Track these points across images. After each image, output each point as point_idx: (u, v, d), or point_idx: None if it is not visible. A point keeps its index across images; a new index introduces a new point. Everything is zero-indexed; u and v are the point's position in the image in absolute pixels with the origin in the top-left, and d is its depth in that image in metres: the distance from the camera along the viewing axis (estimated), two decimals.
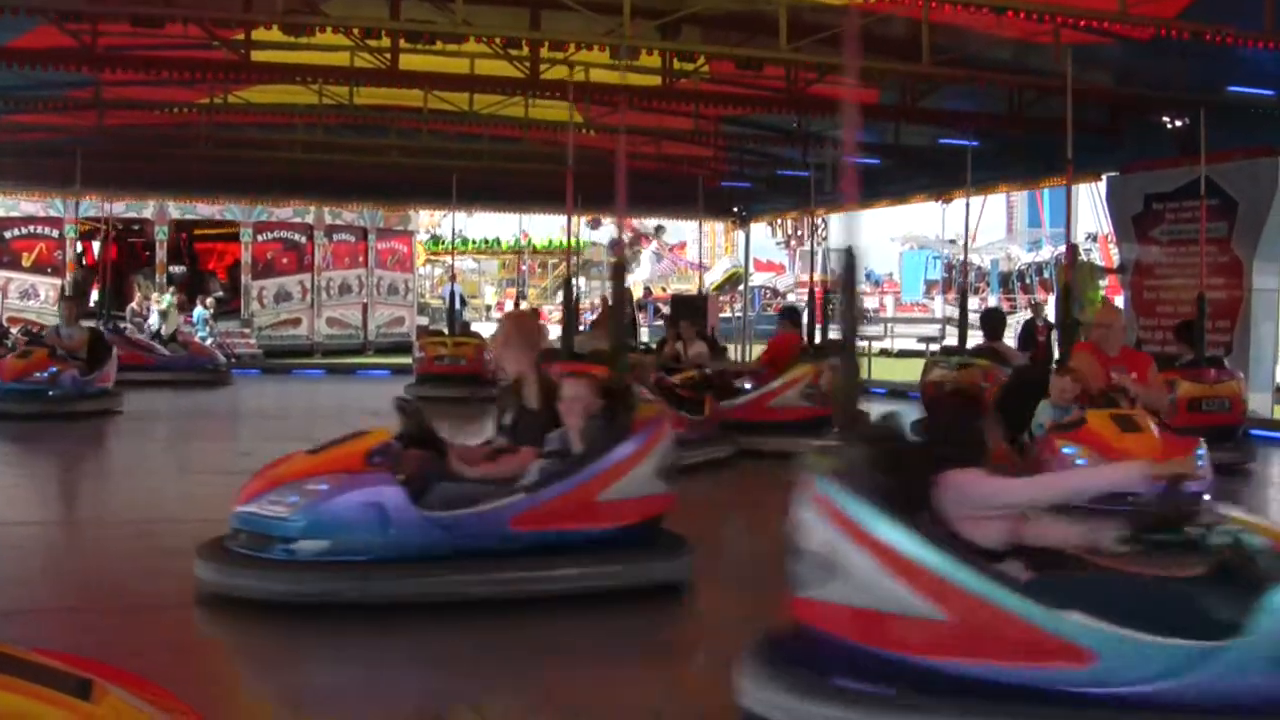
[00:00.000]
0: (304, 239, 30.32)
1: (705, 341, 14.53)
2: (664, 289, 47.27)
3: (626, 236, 56.57)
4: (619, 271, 8.39)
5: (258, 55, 13.52)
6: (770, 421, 11.89)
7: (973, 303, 45.05)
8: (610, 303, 12.67)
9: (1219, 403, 11.71)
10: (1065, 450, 8.04)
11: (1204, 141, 13.42)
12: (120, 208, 26.44)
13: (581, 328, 26.26)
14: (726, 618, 6.03)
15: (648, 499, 6.39)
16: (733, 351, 22.29)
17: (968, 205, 18.05)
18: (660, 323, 30.08)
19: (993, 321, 15.11)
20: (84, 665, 2.29)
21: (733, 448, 11.39)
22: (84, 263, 29.18)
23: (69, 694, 2.04)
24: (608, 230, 54.56)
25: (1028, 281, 47.98)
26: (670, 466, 6.53)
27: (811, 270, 19.44)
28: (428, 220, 45.62)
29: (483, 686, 4.82)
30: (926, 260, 54.92)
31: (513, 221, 51.18)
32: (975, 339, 15.48)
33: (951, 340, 27.87)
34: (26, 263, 27.76)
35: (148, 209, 27.99)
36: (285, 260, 30.19)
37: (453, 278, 24.55)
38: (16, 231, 27.82)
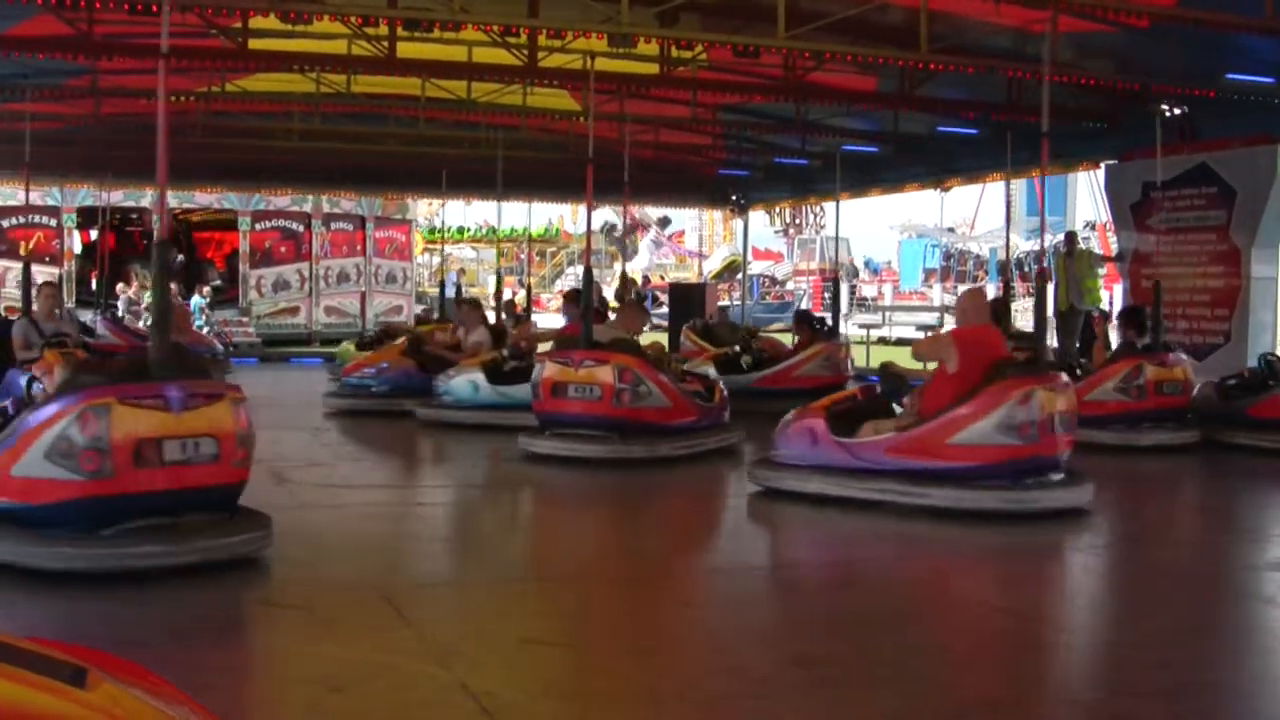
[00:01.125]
0: (302, 228, 30.27)
1: (488, 329, 14.37)
2: (662, 277, 47.26)
3: (624, 224, 56.68)
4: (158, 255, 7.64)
5: (255, 43, 13.49)
6: None
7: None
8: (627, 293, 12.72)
9: (1175, 385, 12.09)
10: None
11: (1159, 134, 13.48)
12: (118, 196, 26.40)
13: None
14: None
15: (44, 482, 5.93)
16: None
17: (1008, 188, 18.30)
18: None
19: (999, 311, 15.46)
20: (79, 653, 2.28)
21: (743, 434, 11.51)
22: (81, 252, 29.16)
23: (63, 682, 2.02)
24: (607, 218, 54.74)
25: (1026, 270, 47.88)
26: (74, 449, 5.89)
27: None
28: (426, 209, 45.60)
29: None
30: (925, 248, 54.83)
31: (508, 210, 51.19)
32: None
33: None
34: (24, 252, 27.70)
35: (145, 198, 27.93)
36: (283, 249, 30.14)
37: (461, 271, 24.59)
38: (13, 220, 27.75)
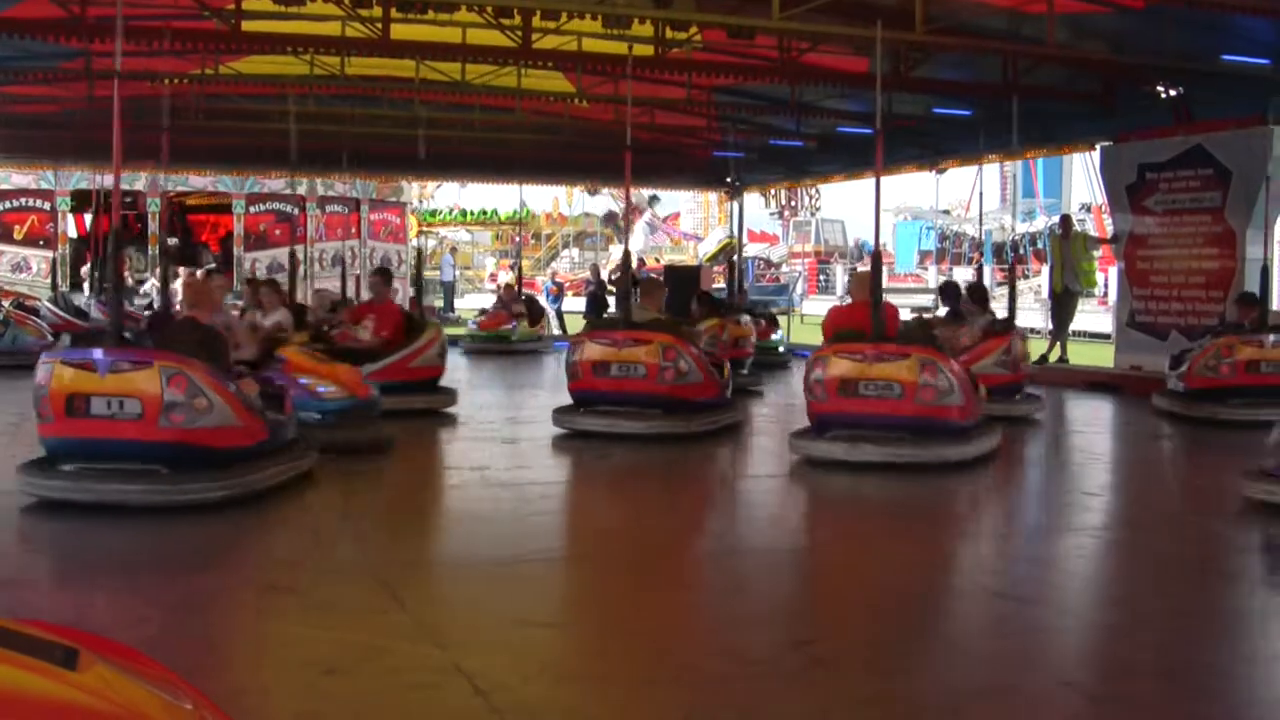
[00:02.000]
0: (296, 210, 30.24)
1: (289, 309, 13.98)
2: (657, 259, 47.18)
3: (620, 207, 56.54)
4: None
5: (248, 25, 13.44)
6: (413, 381, 12.68)
7: (967, 273, 45.12)
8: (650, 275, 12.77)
9: (1030, 360, 13.69)
10: None
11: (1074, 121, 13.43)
12: (112, 179, 26.33)
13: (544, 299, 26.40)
14: None
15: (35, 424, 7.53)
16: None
17: (1003, 171, 18.42)
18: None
19: (952, 291, 16.18)
20: (69, 635, 2.27)
21: (746, 411, 11.85)
22: (76, 235, 29.14)
23: (53, 663, 2.01)
24: (604, 201, 54.76)
25: (1021, 252, 47.88)
26: (37, 398, 7.33)
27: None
28: (419, 191, 45.50)
29: None
30: (920, 230, 54.80)
31: (501, 193, 51.32)
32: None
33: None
34: (18, 235, 27.70)
35: (139, 181, 27.87)
36: (278, 232, 30.12)
37: (453, 249, 24.54)
38: (7, 204, 27.72)
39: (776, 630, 5.34)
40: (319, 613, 5.38)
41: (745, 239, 36.76)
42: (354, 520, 7.72)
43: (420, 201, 48.04)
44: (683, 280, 24.55)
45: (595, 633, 5.38)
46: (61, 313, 20.17)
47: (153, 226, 28.51)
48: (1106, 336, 22.54)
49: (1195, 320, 15.62)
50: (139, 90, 18.53)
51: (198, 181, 28.47)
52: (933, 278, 42.86)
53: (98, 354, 7.27)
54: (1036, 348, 18.62)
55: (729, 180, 27.97)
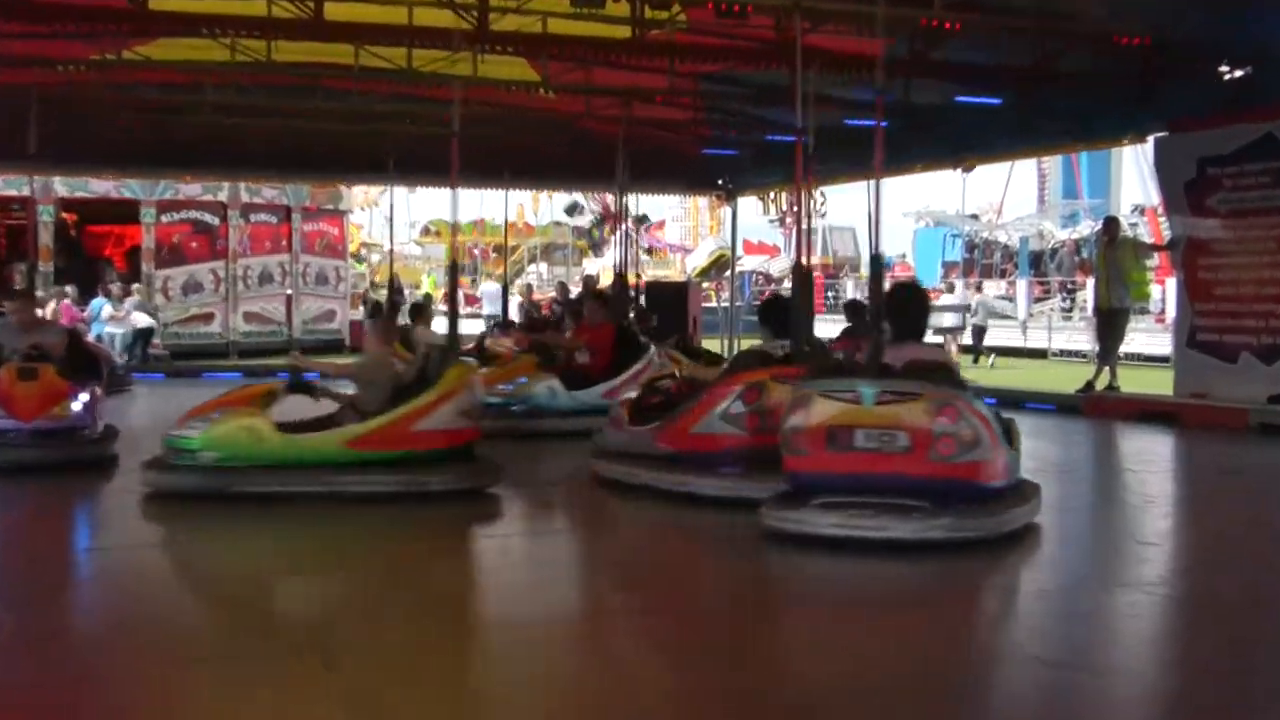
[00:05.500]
0: (217, 220, 30.19)
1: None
2: (639, 275, 47.27)
3: (597, 215, 56.69)
4: None
5: (158, 4, 13.46)
6: None
7: (999, 287, 45.21)
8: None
9: None
10: None
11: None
12: None
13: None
14: None
15: None
16: (719, 347, 22.34)
17: (1040, 168, 18.53)
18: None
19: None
20: None
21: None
22: None
23: None
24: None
25: (1061, 263, 47.79)
26: None
27: None
28: (362, 198, 45.54)
29: None
30: (944, 239, 54.80)
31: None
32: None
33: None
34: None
35: (28, 186, 27.68)
36: (195, 245, 30.05)
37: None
38: None
39: (784, 697, 5.37)
40: (254, 682, 5.41)
41: (741, 250, 36.84)
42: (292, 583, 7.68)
43: (364, 209, 48.12)
44: (668, 299, 24.50)
45: (546, 698, 5.41)
46: None
47: (45, 238, 28.29)
48: (1165, 359, 22.61)
49: (1271, 339, 15.53)
50: (25, 78, 18.54)
51: (99, 185, 28.32)
52: (960, 293, 42.97)
53: None
54: (1083, 372, 18.69)
55: (721, 183, 28.02)
